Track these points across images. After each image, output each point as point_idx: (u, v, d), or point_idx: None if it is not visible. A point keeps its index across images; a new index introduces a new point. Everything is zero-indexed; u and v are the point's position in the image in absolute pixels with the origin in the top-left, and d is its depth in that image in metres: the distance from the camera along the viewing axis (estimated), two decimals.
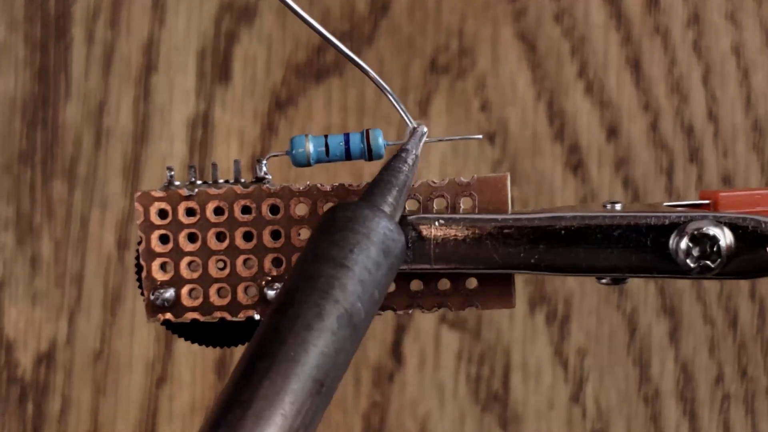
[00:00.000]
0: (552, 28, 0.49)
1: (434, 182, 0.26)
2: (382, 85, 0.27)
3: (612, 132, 0.49)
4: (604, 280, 0.26)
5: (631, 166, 0.49)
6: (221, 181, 0.27)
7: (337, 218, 0.23)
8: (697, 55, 0.49)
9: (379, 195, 0.24)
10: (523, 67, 0.49)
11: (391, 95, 0.27)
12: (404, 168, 0.25)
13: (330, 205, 0.26)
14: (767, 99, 0.49)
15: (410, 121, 0.27)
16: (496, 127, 0.49)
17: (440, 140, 0.28)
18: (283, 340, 0.21)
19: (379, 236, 0.23)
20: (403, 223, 0.25)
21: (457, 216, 0.25)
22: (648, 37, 0.49)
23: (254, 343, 0.21)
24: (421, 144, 0.26)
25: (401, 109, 0.27)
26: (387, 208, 0.24)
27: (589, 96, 0.49)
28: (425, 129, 0.27)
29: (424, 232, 0.25)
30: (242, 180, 0.26)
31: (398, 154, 0.26)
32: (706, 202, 0.27)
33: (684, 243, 0.24)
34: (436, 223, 0.25)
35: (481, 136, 0.27)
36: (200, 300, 0.26)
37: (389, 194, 0.24)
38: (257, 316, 0.26)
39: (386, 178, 0.25)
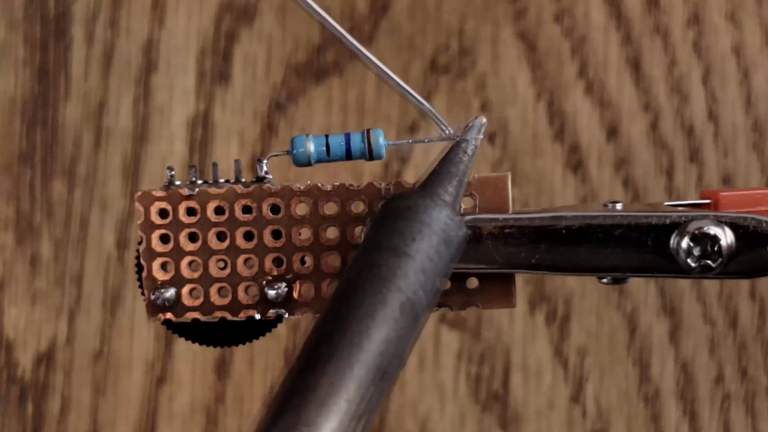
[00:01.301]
0: (552, 28, 0.49)
1: None
2: (404, 88, 0.27)
3: (612, 132, 0.49)
4: (605, 280, 0.26)
5: (631, 166, 0.49)
6: (222, 180, 0.27)
7: (398, 207, 0.23)
8: (697, 55, 0.49)
9: (440, 185, 0.24)
10: (523, 67, 0.49)
11: (416, 99, 0.27)
12: (464, 158, 0.25)
13: (331, 204, 0.26)
14: (767, 99, 0.49)
15: (444, 126, 0.27)
16: (496, 127, 0.49)
17: (440, 140, 0.28)
18: (346, 327, 0.21)
19: (440, 225, 0.23)
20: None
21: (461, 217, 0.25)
22: (648, 37, 0.49)
23: (317, 330, 0.21)
24: (481, 134, 0.26)
25: (434, 115, 0.27)
26: (447, 198, 0.24)
27: (589, 96, 0.49)
28: (484, 119, 0.27)
29: None
30: (243, 180, 0.26)
31: (458, 143, 0.26)
32: (707, 201, 0.27)
33: (685, 242, 0.24)
34: None
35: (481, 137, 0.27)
36: (201, 300, 0.26)
37: (449, 184, 0.24)
38: (258, 316, 0.26)
39: (446, 168, 0.25)
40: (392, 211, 0.23)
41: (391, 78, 0.27)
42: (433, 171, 0.25)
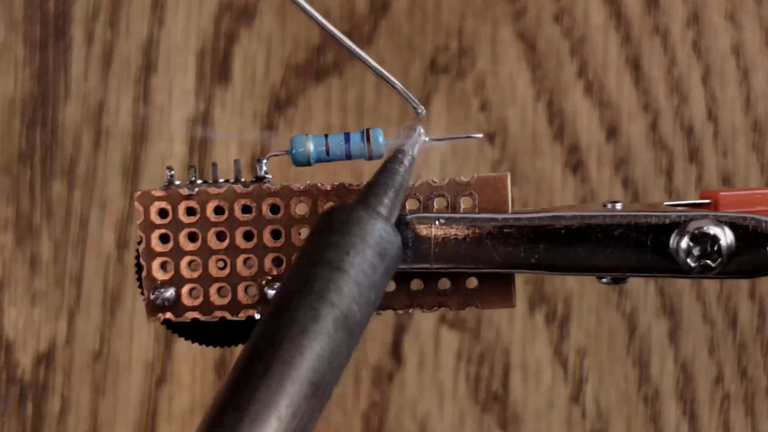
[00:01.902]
0: (552, 28, 0.49)
1: (434, 182, 0.26)
2: (384, 74, 0.27)
3: (612, 132, 0.49)
4: (604, 280, 0.26)
5: (630, 166, 0.49)
6: (221, 180, 0.27)
7: (333, 220, 0.23)
8: (697, 55, 0.49)
9: (375, 196, 0.24)
10: (522, 67, 0.49)
11: (388, 78, 0.27)
12: (400, 169, 0.25)
13: (330, 205, 0.26)
14: (767, 99, 0.49)
15: (417, 106, 0.27)
16: (496, 127, 0.49)
17: (440, 139, 0.28)
18: (278, 344, 0.21)
19: (374, 238, 0.23)
20: (402, 222, 0.25)
21: (458, 215, 0.25)
22: (648, 37, 0.49)
23: (250, 347, 0.21)
24: (418, 144, 0.26)
25: (404, 92, 0.27)
26: (383, 210, 0.24)
27: (589, 96, 0.49)
28: (422, 129, 0.27)
29: (425, 232, 0.25)
30: (242, 179, 0.26)
31: (394, 155, 0.25)
32: (707, 201, 0.27)
33: (684, 242, 0.24)
34: (437, 223, 0.25)
35: (481, 135, 0.27)
36: (200, 299, 0.26)
37: (385, 196, 0.24)
38: (257, 316, 0.26)
39: (382, 179, 0.24)
40: (327, 225, 0.23)
41: (365, 59, 0.27)
42: (368, 183, 0.24)
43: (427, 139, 0.27)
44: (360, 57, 0.27)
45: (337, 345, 0.21)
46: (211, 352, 0.49)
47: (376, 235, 0.23)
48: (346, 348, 0.22)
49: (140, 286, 0.26)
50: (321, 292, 0.21)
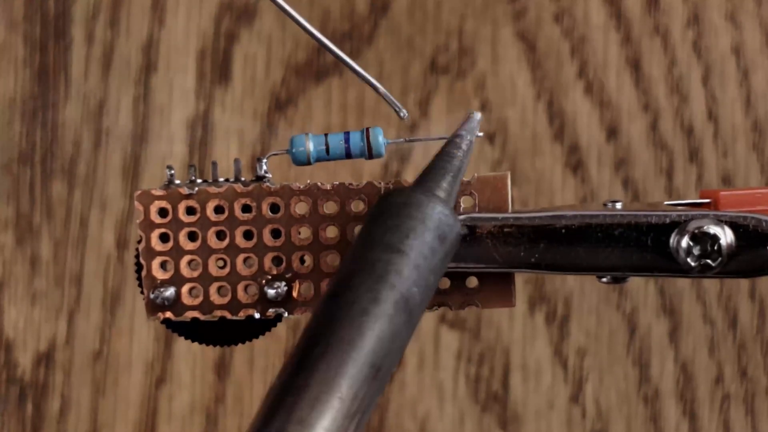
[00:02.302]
0: (552, 28, 0.49)
1: None
2: (366, 77, 0.27)
3: (612, 132, 0.49)
4: (604, 279, 0.26)
5: (631, 166, 0.49)
6: (221, 179, 0.27)
7: (392, 204, 0.23)
8: (697, 55, 0.49)
9: (434, 180, 0.24)
10: (522, 67, 0.49)
11: (370, 81, 0.27)
12: (458, 153, 0.25)
13: (331, 204, 0.26)
14: (767, 99, 0.49)
15: (399, 109, 0.27)
16: (496, 127, 0.49)
17: (440, 138, 0.28)
18: (339, 325, 0.21)
19: (434, 222, 0.23)
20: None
21: (458, 215, 0.25)
22: (648, 37, 0.49)
23: (310, 328, 0.21)
24: (476, 129, 0.26)
25: (387, 96, 0.27)
26: (441, 194, 0.23)
27: (589, 96, 0.49)
28: (479, 115, 0.27)
29: None
30: (242, 179, 0.26)
31: (452, 139, 0.25)
32: (707, 201, 0.27)
33: (685, 242, 0.24)
34: None
35: (481, 134, 0.27)
36: (200, 299, 0.26)
37: (443, 180, 0.24)
38: (257, 315, 0.26)
39: (440, 163, 0.24)
40: (386, 208, 0.23)
41: (346, 61, 0.27)
42: (427, 167, 0.24)
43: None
44: (342, 60, 0.27)
45: (397, 327, 0.21)
46: (211, 352, 0.49)
47: (436, 218, 0.23)
48: (405, 330, 0.22)
49: (140, 286, 0.26)
50: (382, 274, 0.21)
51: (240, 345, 0.27)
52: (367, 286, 0.21)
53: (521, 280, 0.48)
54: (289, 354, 0.21)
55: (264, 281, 0.26)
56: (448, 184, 0.24)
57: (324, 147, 0.26)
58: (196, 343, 0.27)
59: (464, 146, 0.25)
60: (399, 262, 0.22)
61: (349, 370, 0.20)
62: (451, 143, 0.25)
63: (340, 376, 0.20)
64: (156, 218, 0.26)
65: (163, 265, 0.26)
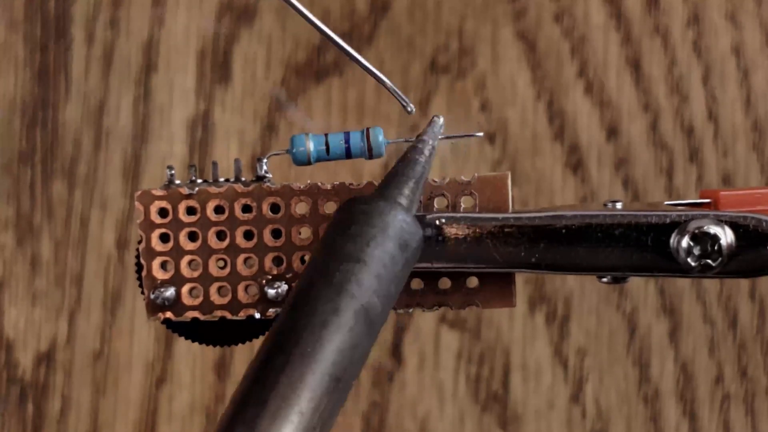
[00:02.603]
0: (552, 28, 0.49)
1: (435, 181, 0.26)
2: (375, 73, 0.27)
3: (612, 132, 0.49)
4: (604, 279, 0.26)
5: (631, 166, 0.49)
6: (222, 179, 0.27)
7: (353, 212, 0.23)
8: (697, 55, 0.49)
9: (395, 187, 0.24)
10: (523, 67, 0.49)
11: (377, 75, 0.27)
12: (420, 159, 0.25)
13: (331, 204, 0.26)
14: (767, 99, 0.49)
15: (407, 103, 0.27)
16: (496, 127, 0.49)
17: (440, 138, 0.28)
18: (299, 337, 0.21)
19: (395, 230, 0.23)
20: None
21: (458, 215, 0.25)
22: (648, 37, 0.49)
23: (270, 340, 0.21)
24: (439, 134, 0.26)
25: (394, 90, 0.27)
26: (403, 201, 0.23)
27: (589, 96, 0.49)
28: (442, 120, 0.26)
29: (425, 231, 0.25)
30: (243, 179, 0.26)
31: (414, 145, 0.25)
32: (707, 201, 0.27)
33: (685, 242, 0.24)
34: (437, 222, 0.25)
35: (482, 134, 0.27)
36: (201, 299, 0.26)
37: (405, 186, 0.24)
38: (258, 315, 0.26)
39: (402, 170, 0.24)
40: (347, 216, 0.23)
41: (356, 57, 0.27)
42: (389, 173, 0.24)
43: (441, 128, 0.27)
44: (351, 56, 0.27)
45: (358, 338, 0.21)
46: (211, 352, 0.49)
47: (397, 226, 0.23)
48: (367, 341, 0.21)
49: (140, 286, 0.26)
50: (341, 284, 0.21)
51: (240, 345, 0.27)
52: (327, 296, 0.21)
53: (521, 281, 0.48)
54: (250, 363, 0.21)
55: (264, 281, 0.26)
56: (410, 190, 0.24)
57: (324, 147, 0.26)
58: (196, 344, 0.27)
59: (427, 151, 0.25)
60: (359, 272, 0.22)
61: (309, 383, 0.20)
62: (413, 149, 0.25)
63: (300, 389, 0.20)
64: (156, 218, 0.26)
65: (163, 266, 0.26)
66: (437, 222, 0.25)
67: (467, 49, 0.49)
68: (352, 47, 0.27)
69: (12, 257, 0.49)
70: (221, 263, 0.26)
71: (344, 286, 0.21)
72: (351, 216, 0.23)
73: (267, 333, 0.21)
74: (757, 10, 0.49)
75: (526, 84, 0.49)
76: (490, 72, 0.49)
